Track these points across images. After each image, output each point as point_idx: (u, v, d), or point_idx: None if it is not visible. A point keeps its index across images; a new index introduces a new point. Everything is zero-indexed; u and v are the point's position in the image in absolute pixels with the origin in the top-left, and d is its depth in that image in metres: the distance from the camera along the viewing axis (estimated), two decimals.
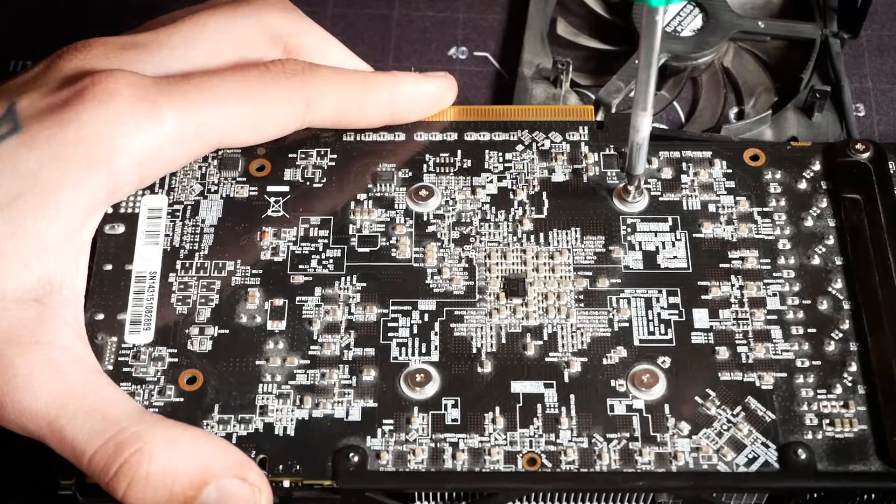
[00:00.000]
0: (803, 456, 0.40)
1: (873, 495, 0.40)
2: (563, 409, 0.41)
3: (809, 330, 0.43)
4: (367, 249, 0.44)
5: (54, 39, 0.56)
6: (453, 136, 0.47)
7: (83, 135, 0.41)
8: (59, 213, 0.41)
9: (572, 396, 0.41)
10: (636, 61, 0.52)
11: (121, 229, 0.45)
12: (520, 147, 0.47)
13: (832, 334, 0.42)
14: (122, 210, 0.45)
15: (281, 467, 0.40)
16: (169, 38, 0.45)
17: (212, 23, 0.45)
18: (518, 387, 0.41)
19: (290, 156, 0.46)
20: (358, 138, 0.47)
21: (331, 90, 0.45)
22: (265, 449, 0.40)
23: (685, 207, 0.45)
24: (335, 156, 0.47)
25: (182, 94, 0.43)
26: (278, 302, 0.43)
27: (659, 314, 0.43)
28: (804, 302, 0.43)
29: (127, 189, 0.44)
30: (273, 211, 0.45)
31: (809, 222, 0.45)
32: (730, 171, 0.46)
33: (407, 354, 0.42)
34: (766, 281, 0.44)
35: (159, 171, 0.44)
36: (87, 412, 0.38)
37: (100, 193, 0.42)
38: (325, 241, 0.45)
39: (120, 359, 0.42)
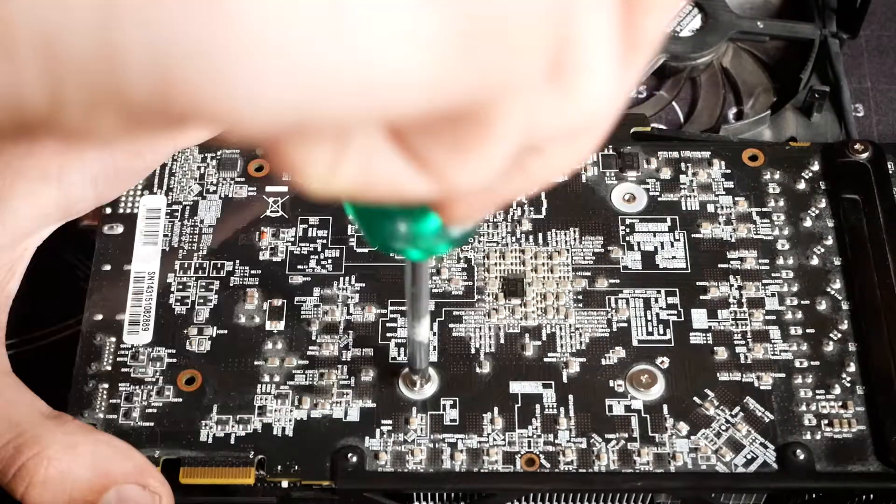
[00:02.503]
0: (802, 456, 0.40)
1: (872, 496, 0.40)
2: (562, 409, 0.41)
3: (808, 330, 0.43)
4: (365, 250, 0.44)
5: None
6: None
7: (35, 147, 0.41)
8: (5, 220, 0.41)
9: (571, 397, 0.41)
10: None
11: (119, 229, 0.45)
12: None
13: (831, 335, 0.42)
14: (121, 210, 0.45)
15: (279, 467, 0.40)
16: None
17: None
18: (517, 387, 0.41)
19: None
20: None
21: None
22: (263, 449, 0.40)
23: (684, 208, 0.45)
24: None
25: None
26: (277, 302, 0.43)
27: (658, 314, 0.43)
28: (803, 302, 0.43)
29: (82, 205, 0.42)
30: (272, 211, 0.45)
31: (808, 222, 0.45)
32: (728, 171, 0.46)
33: (405, 355, 0.42)
34: (764, 281, 0.44)
35: (117, 188, 0.43)
36: None
37: (49, 207, 0.41)
38: (324, 241, 0.45)
39: (119, 359, 0.42)
